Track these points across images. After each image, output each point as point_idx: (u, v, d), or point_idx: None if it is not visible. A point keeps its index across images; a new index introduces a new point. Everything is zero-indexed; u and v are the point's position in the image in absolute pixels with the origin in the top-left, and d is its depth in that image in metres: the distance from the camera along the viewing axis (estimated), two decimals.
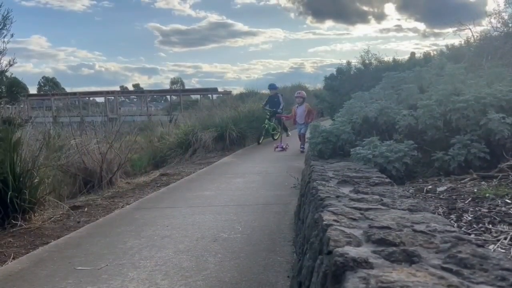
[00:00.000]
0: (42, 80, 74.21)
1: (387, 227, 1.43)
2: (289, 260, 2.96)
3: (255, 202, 4.93)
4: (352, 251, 1.18)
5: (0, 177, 4.31)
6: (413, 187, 2.92)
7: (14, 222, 4.37)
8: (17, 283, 2.77)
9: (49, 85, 69.07)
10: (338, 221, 1.51)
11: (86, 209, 5.28)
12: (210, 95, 34.47)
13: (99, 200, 5.84)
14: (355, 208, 1.72)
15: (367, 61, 9.90)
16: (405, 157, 3.18)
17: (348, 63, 10.35)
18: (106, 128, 9.79)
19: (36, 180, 4.81)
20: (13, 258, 3.39)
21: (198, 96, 38.27)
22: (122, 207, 5.29)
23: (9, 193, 4.31)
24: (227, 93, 31.02)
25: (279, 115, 11.56)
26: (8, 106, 5.14)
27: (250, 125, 12.56)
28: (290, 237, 3.49)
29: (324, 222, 1.48)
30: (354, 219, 1.55)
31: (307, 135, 8.31)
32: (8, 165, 4.42)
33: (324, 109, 15.12)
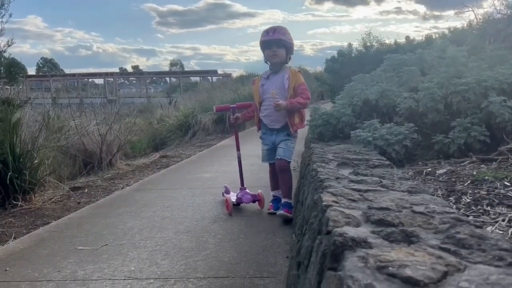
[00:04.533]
0: (41, 61, 73.82)
1: (386, 208, 1.44)
2: (288, 241, 2.98)
3: (254, 184, 4.93)
4: (351, 231, 1.18)
5: (0, 158, 4.31)
6: (412, 169, 2.92)
7: (14, 202, 4.40)
8: (19, 262, 2.79)
9: (48, 66, 68.74)
10: (337, 202, 1.51)
11: (86, 190, 5.30)
12: (210, 78, 34.29)
13: (99, 181, 5.86)
14: (355, 189, 1.72)
15: (368, 44, 9.81)
16: (405, 140, 3.18)
17: (349, 45, 10.25)
18: (105, 110, 9.77)
19: (36, 161, 4.83)
20: (14, 238, 3.42)
21: (197, 78, 38.10)
22: (122, 188, 5.31)
23: (9, 173, 4.32)
24: (227, 76, 30.85)
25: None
26: (7, 87, 5.11)
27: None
28: None
29: (324, 203, 1.49)
30: (354, 200, 1.55)
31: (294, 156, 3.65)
32: (7, 146, 4.42)
33: (325, 91, 15.03)
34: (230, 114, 3.88)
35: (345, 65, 9.83)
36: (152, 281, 2.40)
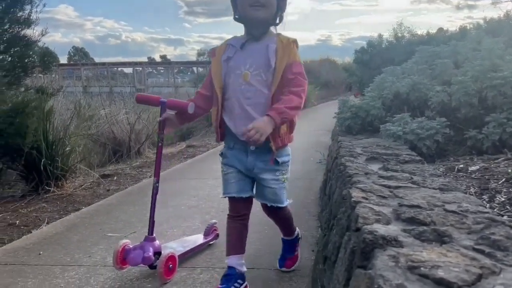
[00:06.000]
0: (72, 49, 75.53)
1: (417, 206, 1.41)
2: (314, 234, 2.97)
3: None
4: (382, 229, 1.16)
5: (34, 144, 4.44)
6: (444, 165, 2.85)
7: (47, 188, 4.54)
8: (52, 246, 2.89)
9: (79, 55, 70.25)
10: (366, 199, 1.49)
11: (115, 177, 5.42)
12: None
13: (127, 169, 5.98)
14: (384, 185, 1.69)
15: (399, 34, 9.57)
16: (436, 135, 3.10)
17: (380, 36, 10.05)
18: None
19: (67, 149, 4.96)
20: (47, 223, 3.54)
21: None
22: (150, 177, 5.41)
23: (43, 160, 4.46)
24: None
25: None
26: (40, 75, 5.25)
27: None
28: (315, 211, 3.50)
29: (353, 199, 1.47)
30: (384, 197, 1.53)
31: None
32: (41, 133, 4.55)
33: (353, 83, 14.84)
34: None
35: (375, 56, 9.65)
36: (179, 269, 2.43)
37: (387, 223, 1.27)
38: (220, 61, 2.03)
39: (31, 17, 4.74)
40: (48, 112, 4.79)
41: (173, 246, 2.53)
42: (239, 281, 2.06)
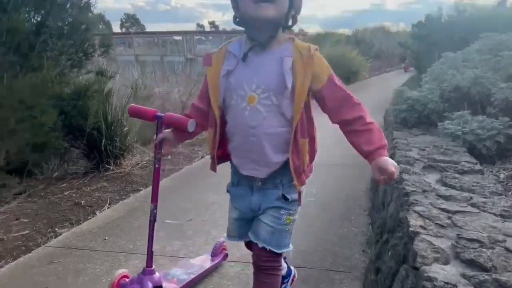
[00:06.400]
0: (124, 16, 77.10)
1: (477, 241, 1.41)
2: (365, 232, 2.99)
3: (329, 162, 4.90)
4: (441, 274, 1.18)
5: (95, 125, 4.70)
6: (504, 170, 2.76)
7: (107, 166, 4.81)
8: (115, 231, 3.10)
9: (130, 22, 71.73)
10: (425, 228, 1.50)
11: (169, 156, 5.62)
12: None
13: (180, 147, 6.18)
14: (443, 209, 1.68)
15: (461, 8, 8.99)
16: (498, 135, 2.97)
17: (439, 9, 9.51)
18: (185, 71, 10.11)
19: (125, 129, 5.19)
20: (109, 204, 3.78)
21: None
22: (202, 157, 5.58)
23: (103, 140, 4.71)
24: (303, 35, 30.16)
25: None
26: (100, 58, 5.55)
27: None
28: (365, 206, 3.50)
29: (411, 229, 1.48)
30: (442, 226, 1.53)
31: None
32: (101, 114, 4.79)
33: (408, 57, 14.24)
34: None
35: (433, 31, 9.16)
36: (233, 264, 2.56)
37: (446, 262, 1.28)
38: (218, 75, 1.57)
39: (90, 1, 4.92)
40: (107, 94, 5.01)
41: (176, 274, 2.31)
42: (285, 281, 2.07)
